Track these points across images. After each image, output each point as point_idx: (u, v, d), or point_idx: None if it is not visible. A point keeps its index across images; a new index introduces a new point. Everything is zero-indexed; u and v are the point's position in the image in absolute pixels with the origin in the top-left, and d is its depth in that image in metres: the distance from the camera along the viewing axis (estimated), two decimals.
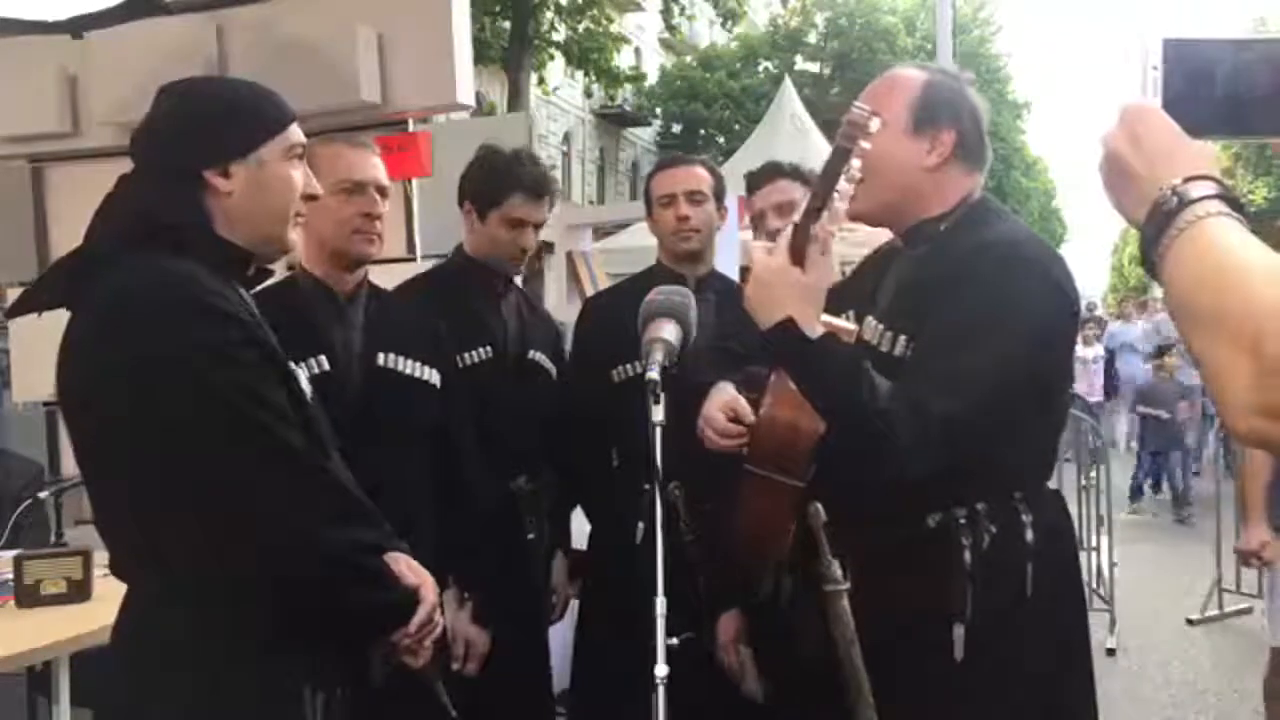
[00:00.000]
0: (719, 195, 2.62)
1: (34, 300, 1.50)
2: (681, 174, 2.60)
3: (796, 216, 1.56)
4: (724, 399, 1.93)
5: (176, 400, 1.38)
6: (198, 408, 1.38)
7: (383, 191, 2.22)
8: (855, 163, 1.48)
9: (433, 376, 2.28)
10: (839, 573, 1.69)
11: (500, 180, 2.54)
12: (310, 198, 1.61)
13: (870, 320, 1.76)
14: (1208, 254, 0.88)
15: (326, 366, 2.12)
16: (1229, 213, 0.91)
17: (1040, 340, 1.62)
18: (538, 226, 2.58)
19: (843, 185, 1.50)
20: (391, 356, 2.22)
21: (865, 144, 1.46)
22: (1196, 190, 0.92)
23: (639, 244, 5.31)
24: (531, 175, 2.55)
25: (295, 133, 1.59)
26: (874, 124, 1.47)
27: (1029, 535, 1.66)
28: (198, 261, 1.46)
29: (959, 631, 1.62)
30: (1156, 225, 0.93)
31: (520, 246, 2.56)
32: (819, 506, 1.72)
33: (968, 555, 1.63)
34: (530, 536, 2.58)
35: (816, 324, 1.55)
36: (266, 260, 1.61)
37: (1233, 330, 0.83)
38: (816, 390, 1.59)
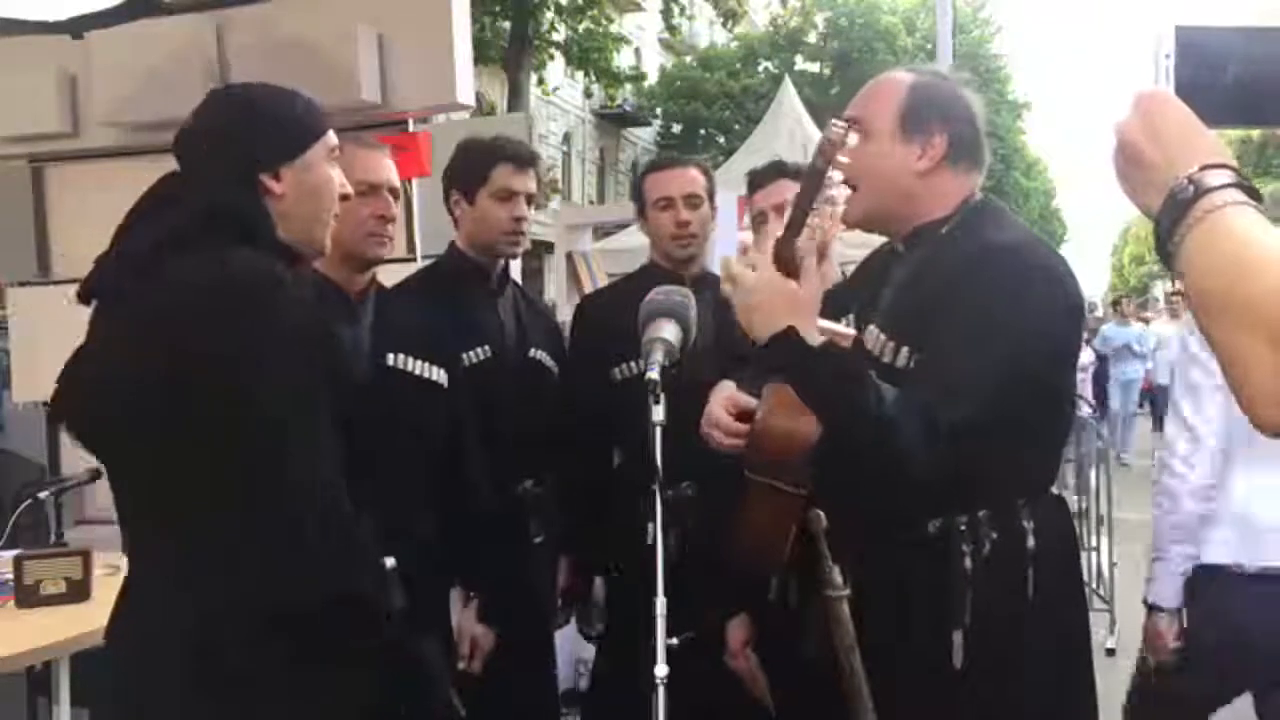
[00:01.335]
0: (712, 196, 2.62)
1: (99, 286, 1.53)
2: (678, 177, 2.59)
3: (779, 231, 1.55)
4: (726, 396, 1.92)
5: (259, 387, 1.43)
6: (279, 397, 1.44)
7: (395, 193, 2.24)
8: (836, 177, 1.47)
9: (440, 376, 2.29)
10: (839, 579, 1.69)
11: (483, 156, 2.55)
12: (343, 197, 1.68)
13: (872, 329, 1.74)
14: (1226, 243, 0.87)
15: None
16: (1246, 201, 0.90)
17: (1046, 345, 1.61)
18: (529, 200, 2.57)
19: (824, 200, 1.50)
20: (400, 357, 2.23)
21: (844, 158, 1.46)
22: (1213, 179, 0.91)
23: (639, 244, 5.28)
24: (514, 147, 2.57)
25: (332, 135, 1.66)
26: (851, 139, 1.46)
27: (1030, 542, 1.65)
28: (265, 253, 1.52)
29: (958, 638, 1.61)
30: (1172, 214, 0.92)
31: (515, 218, 2.54)
32: (819, 512, 1.72)
33: (968, 562, 1.62)
34: (537, 540, 2.57)
35: (815, 333, 1.55)
36: (308, 260, 1.68)
37: (1253, 319, 0.82)
38: (821, 400, 1.57)
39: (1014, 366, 1.54)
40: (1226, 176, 0.91)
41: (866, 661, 1.65)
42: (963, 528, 1.63)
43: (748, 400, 1.90)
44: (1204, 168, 0.92)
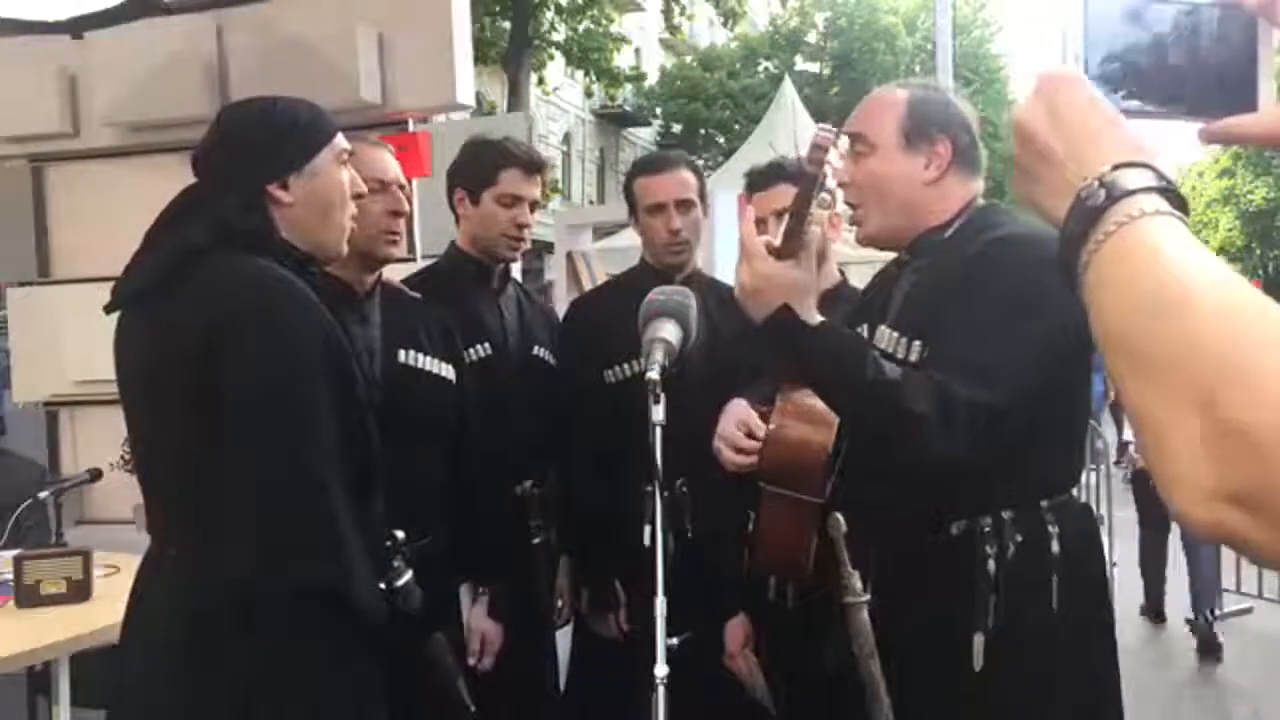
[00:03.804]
0: (704, 195, 2.61)
1: (126, 294, 1.62)
2: (671, 181, 2.56)
3: (777, 241, 1.54)
4: (739, 416, 1.92)
5: (289, 380, 1.51)
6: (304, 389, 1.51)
7: (403, 188, 2.24)
8: (831, 183, 1.47)
9: (449, 372, 2.30)
10: (859, 585, 1.68)
11: (493, 158, 2.54)
12: (357, 196, 1.75)
13: (883, 328, 1.73)
14: (1144, 265, 0.66)
15: None
16: (1171, 211, 0.69)
17: (1065, 334, 1.60)
18: (533, 206, 2.57)
19: (819, 204, 1.50)
20: (412, 354, 2.23)
21: (839, 162, 1.46)
22: (1130, 180, 0.71)
23: (639, 244, 5.29)
24: (524, 152, 2.57)
25: (342, 140, 1.73)
26: (843, 142, 1.46)
27: (1055, 547, 1.63)
28: (273, 261, 1.60)
29: (979, 641, 1.60)
30: (1079, 225, 0.72)
31: (517, 224, 2.54)
32: (839, 517, 1.71)
33: (991, 565, 1.61)
34: (536, 540, 2.57)
35: (812, 313, 1.55)
36: (323, 264, 1.74)
37: (1174, 374, 0.61)
38: (823, 374, 1.57)
39: (1032, 350, 1.52)
40: (1147, 178, 0.71)
41: (886, 667, 1.64)
42: (986, 529, 1.62)
43: (760, 423, 1.90)
44: (1117, 166, 0.72)
